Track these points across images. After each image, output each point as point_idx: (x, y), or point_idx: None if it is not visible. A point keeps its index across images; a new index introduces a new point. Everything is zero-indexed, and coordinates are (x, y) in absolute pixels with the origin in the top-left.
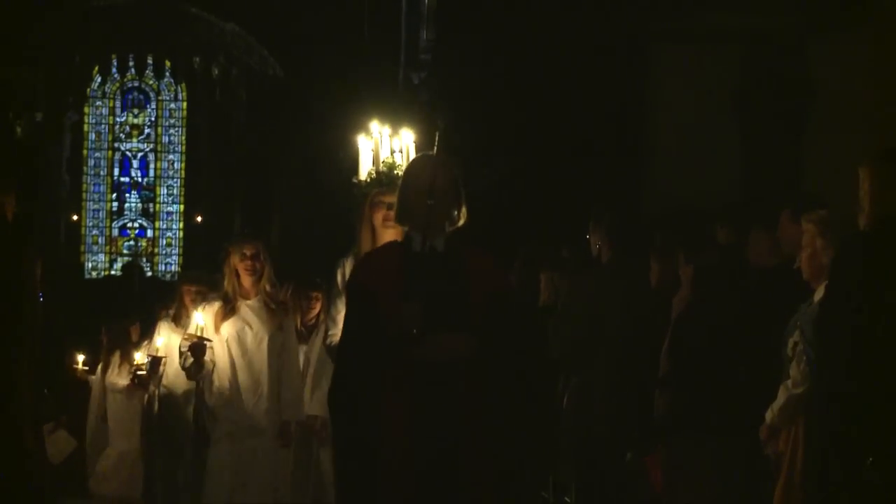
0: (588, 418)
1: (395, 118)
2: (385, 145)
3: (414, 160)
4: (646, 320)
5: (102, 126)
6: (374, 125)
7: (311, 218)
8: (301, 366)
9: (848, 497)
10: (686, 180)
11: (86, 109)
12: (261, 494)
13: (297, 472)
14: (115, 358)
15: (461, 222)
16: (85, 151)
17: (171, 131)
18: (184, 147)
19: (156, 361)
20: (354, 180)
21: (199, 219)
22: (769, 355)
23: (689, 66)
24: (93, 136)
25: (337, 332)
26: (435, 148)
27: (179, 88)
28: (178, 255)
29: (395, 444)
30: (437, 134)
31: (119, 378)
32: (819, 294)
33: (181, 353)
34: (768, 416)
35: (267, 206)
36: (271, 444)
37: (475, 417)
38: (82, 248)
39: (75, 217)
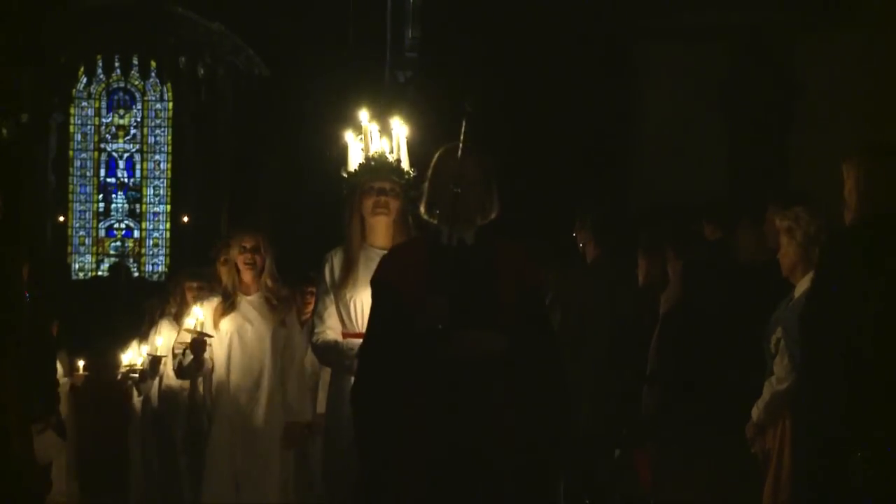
0: (576, 415)
1: (384, 115)
2: (374, 140)
3: (442, 149)
4: (632, 317)
5: (88, 127)
6: (364, 114)
7: (299, 217)
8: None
9: (836, 492)
10: (673, 177)
11: (71, 110)
12: (265, 498)
13: (301, 472)
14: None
15: (493, 215)
16: (71, 152)
17: (157, 132)
18: (170, 147)
19: (156, 361)
20: (343, 174)
21: (185, 219)
22: (758, 351)
23: (675, 63)
24: (78, 136)
25: (323, 331)
26: (461, 135)
27: (165, 89)
28: (165, 255)
29: (420, 444)
30: (463, 120)
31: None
32: (799, 290)
33: (174, 354)
34: (754, 413)
35: (254, 205)
36: (273, 445)
37: (505, 417)
38: (69, 249)
39: (62, 218)
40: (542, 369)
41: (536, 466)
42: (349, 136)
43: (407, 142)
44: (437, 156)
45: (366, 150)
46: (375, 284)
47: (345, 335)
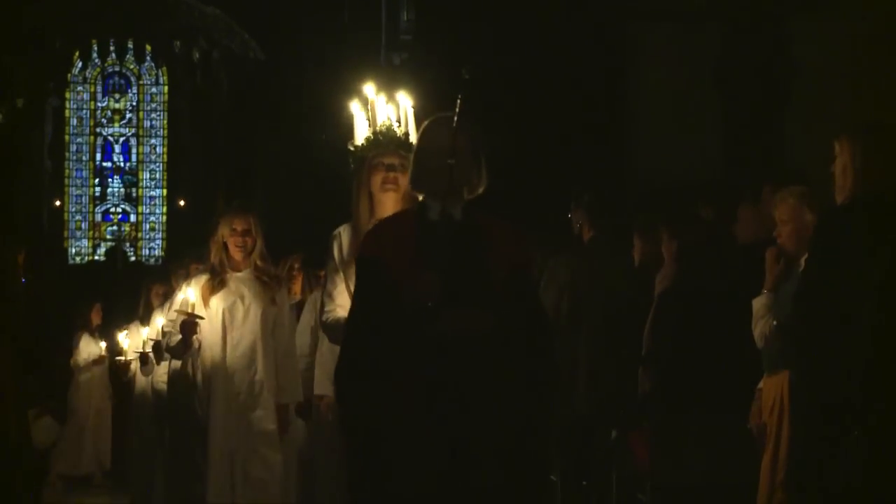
0: (572, 397)
1: (389, 86)
2: (381, 111)
3: (430, 120)
4: (628, 298)
5: (84, 111)
6: (369, 88)
7: (294, 200)
8: (309, 342)
9: (833, 471)
10: (668, 158)
11: (67, 95)
12: (262, 484)
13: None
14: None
15: (481, 189)
16: (67, 137)
17: (153, 115)
18: (165, 131)
19: (158, 345)
20: (350, 147)
21: (181, 203)
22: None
23: (670, 44)
24: (74, 121)
25: (333, 309)
26: (458, 104)
27: (160, 72)
28: (162, 239)
29: (408, 426)
30: (460, 91)
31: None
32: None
33: (163, 333)
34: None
35: (250, 189)
36: (268, 425)
37: (493, 395)
38: (66, 234)
39: (58, 203)
40: (532, 347)
41: (525, 445)
42: (355, 106)
43: (415, 110)
44: (423, 127)
45: (372, 123)
46: (361, 260)
47: None
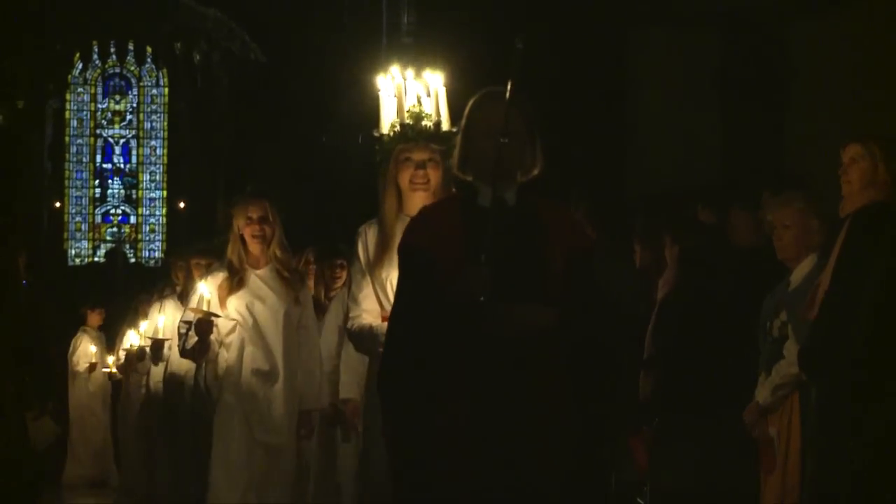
0: None
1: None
2: (411, 92)
3: (479, 96)
4: (628, 302)
5: (84, 113)
6: (395, 69)
7: (295, 203)
8: (336, 342)
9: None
10: (667, 162)
11: (67, 96)
12: (279, 493)
13: (318, 465)
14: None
15: (536, 170)
16: (67, 138)
17: (153, 117)
18: (166, 133)
19: (158, 344)
20: (376, 133)
21: (182, 205)
22: (755, 336)
23: (669, 48)
24: (74, 122)
25: (359, 315)
26: (511, 76)
27: (161, 74)
28: (162, 241)
29: (456, 432)
30: (514, 59)
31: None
32: (798, 273)
33: (180, 334)
34: (760, 395)
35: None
36: (290, 436)
37: (551, 402)
38: (65, 236)
39: (58, 204)
40: (591, 346)
41: (583, 451)
42: (383, 85)
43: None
44: (471, 103)
45: (399, 103)
46: (404, 250)
47: (384, 318)
